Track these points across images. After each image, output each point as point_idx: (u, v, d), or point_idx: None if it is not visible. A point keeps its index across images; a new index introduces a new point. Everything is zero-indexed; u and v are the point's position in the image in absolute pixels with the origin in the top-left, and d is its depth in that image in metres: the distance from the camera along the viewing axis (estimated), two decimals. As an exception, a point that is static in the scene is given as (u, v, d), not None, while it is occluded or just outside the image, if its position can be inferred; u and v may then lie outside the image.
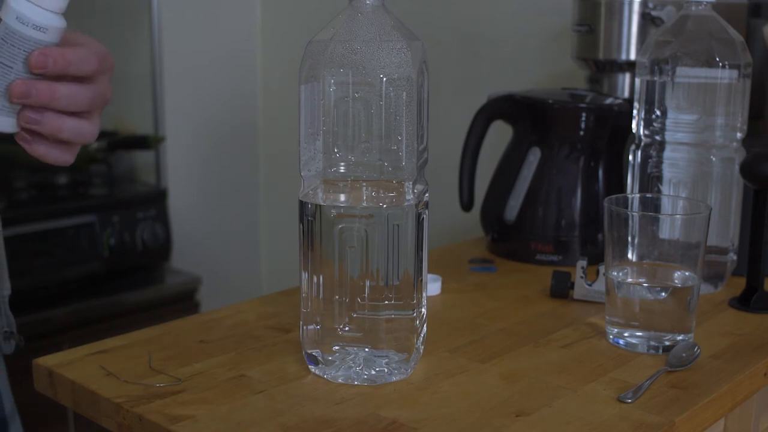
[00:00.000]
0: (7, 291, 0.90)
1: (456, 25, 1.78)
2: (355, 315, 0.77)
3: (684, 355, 0.83)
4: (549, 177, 1.18)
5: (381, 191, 0.76)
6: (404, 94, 0.74)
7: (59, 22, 0.64)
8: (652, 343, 0.86)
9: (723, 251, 1.05)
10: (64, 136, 0.66)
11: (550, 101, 1.21)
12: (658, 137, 1.06)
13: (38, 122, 0.64)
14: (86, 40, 0.68)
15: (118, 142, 2.08)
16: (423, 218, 0.79)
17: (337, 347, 0.78)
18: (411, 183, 0.76)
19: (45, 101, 0.63)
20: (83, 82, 0.65)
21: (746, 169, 0.99)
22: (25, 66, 0.63)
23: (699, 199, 1.01)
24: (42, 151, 0.66)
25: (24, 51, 0.63)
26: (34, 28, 0.63)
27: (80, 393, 0.78)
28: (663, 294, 0.86)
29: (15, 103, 0.64)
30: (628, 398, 0.75)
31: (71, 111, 0.66)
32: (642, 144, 1.07)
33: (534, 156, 1.19)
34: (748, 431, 0.89)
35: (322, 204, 0.76)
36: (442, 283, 1.05)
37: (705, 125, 1.03)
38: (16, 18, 0.62)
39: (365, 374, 0.78)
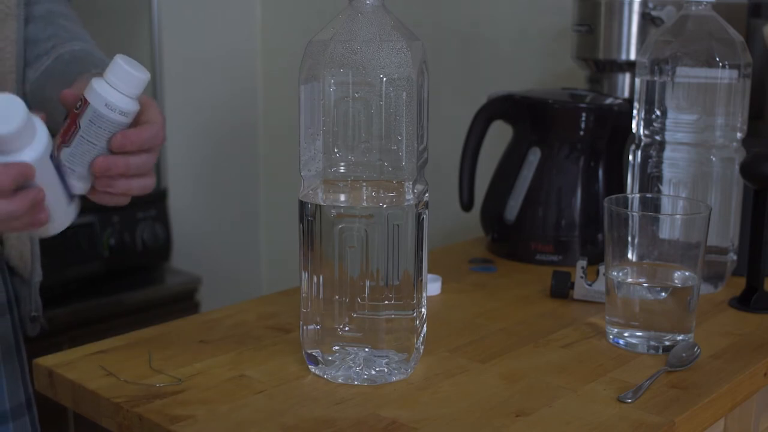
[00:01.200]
0: (38, 278, 0.97)
1: (456, 25, 1.77)
2: (355, 315, 0.77)
3: (684, 355, 0.83)
4: (549, 177, 1.18)
5: (381, 191, 0.76)
6: (404, 94, 0.74)
7: (136, 107, 0.72)
8: (652, 343, 0.86)
9: (723, 251, 1.05)
10: (131, 194, 0.75)
11: (550, 101, 1.21)
12: (658, 137, 1.06)
13: (112, 186, 0.73)
14: (148, 102, 0.75)
15: (118, 142, 2.08)
16: (423, 218, 0.79)
17: (337, 347, 0.78)
18: (411, 183, 0.76)
19: (121, 173, 0.72)
20: (150, 152, 0.74)
21: (746, 169, 0.99)
22: (107, 144, 0.71)
23: (699, 199, 1.01)
24: (104, 201, 0.74)
25: (108, 132, 0.71)
26: (119, 114, 0.71)
27: (80, 393, 0.78)
28: (663, 294, 0.86)
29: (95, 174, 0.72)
30: (628, 398, 0.75)
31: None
32: (642, 144, 1.07)
33: (534, 156, 1.19)
34: (748, 431, 0.89)
35: (322, 204, 0.76)
36: (442, 283, 1.05)
37: (705, 125, 1.03)
38: (105, 105, 0.70)
39: (365, 374, 0.78)
